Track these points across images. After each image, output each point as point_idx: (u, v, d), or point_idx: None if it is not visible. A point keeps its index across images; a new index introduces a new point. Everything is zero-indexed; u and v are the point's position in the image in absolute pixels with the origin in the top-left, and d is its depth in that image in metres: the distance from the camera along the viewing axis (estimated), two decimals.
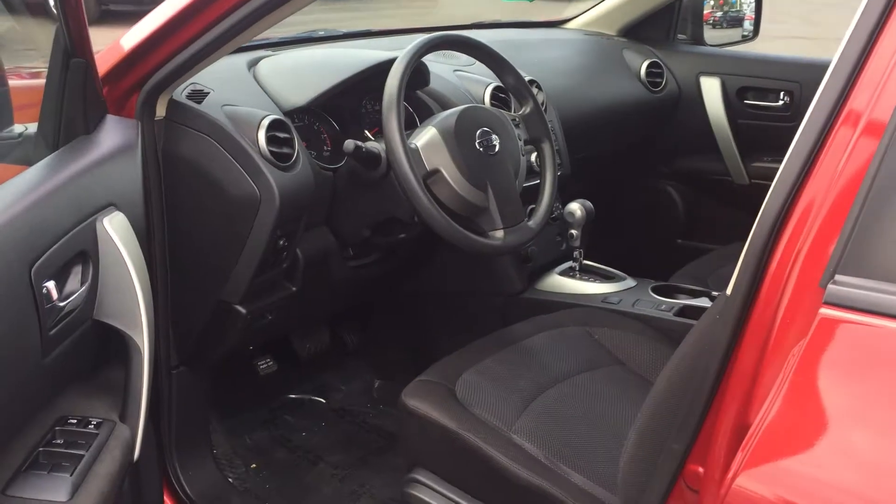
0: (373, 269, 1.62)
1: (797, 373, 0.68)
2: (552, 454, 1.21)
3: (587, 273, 1.74)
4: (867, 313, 0.66)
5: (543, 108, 1.68)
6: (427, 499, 1.28)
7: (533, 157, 1.66)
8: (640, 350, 1.47)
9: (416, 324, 1.86)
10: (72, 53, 1.07)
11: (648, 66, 2.18)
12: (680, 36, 2.33)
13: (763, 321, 0.75)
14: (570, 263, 1.75)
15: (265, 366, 1.76)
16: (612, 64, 2.17)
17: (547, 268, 1.75)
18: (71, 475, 0.89)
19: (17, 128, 1.19)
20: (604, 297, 1.66)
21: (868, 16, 0.72)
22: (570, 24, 2.34)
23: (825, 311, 0.67)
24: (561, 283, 1.73)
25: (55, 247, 0.91)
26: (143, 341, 1.02)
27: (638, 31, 2.27)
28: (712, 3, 2.55)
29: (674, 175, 2.23)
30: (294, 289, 1.47)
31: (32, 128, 1.17)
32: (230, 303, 1.37)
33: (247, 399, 1.82)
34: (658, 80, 2.19)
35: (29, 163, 1.07)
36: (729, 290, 0.77)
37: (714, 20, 2.57)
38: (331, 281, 1.55)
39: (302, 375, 1.90)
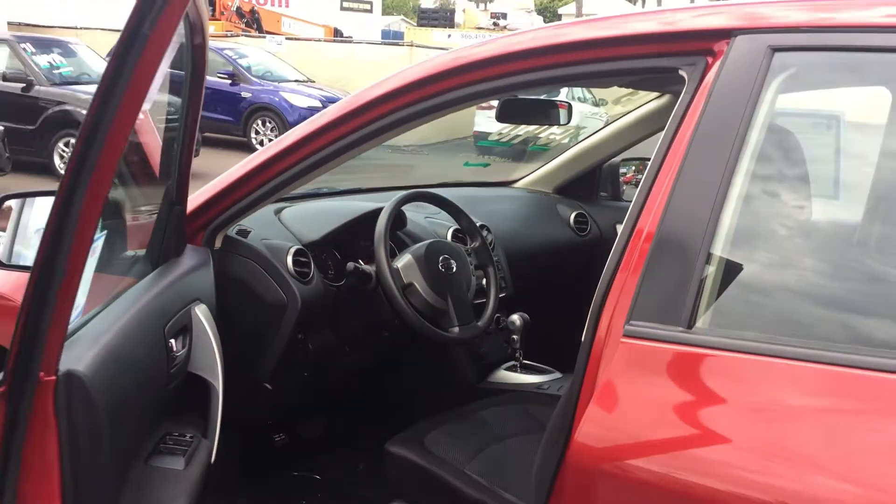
0: (364, 363, 2.15)
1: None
2: (492, 482, 1.71)
3: (526, 369, 2.28)
4: (650, 340, 1.20)
5: (491, 246, 2.28)
6: None
7: (484, 280, 2.24)
8: None
9: (397, 409, 2.37)
10: (175, 202, 1.65)
11: (576, 216, 2.80)
12: (602, 193, 2.97)
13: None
14: (512, 362, 2.29)
15: (279, 439, 2.24)
16: (547, 214, 2.78)
17: (495, 366, 2.29)
18: (183, 456, 1.39)
19: (129, 252, 1.74)
20: (538, 386, 2.20)
21: None
22: (516, 185, 2.98)
23: (625, 341, 1.21)
24: (506, 376, 2.27)
25: (172, 320, 1.45)
26: (219, 386, 1.54)
27: (568, 190, 2.90)
28: (634, 168, 3.22)
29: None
30: (305, 374, 2.00)
31: (139, 252, 1.72)
32: (261, 380, 1.88)
33: (260, 468, 2.28)
34: (583, 227, 2.80)
35: (137, 276, 1.61)
36: None
37: (636, 181, 3.23)
38: (332, 370, 2.08)
39: (301, 452, 2.36)
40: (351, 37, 22.28)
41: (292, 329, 1.85)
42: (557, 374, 2.25)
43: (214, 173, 1.88)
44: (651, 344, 1.19)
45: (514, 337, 2.25)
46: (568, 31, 1.47)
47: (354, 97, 1.62)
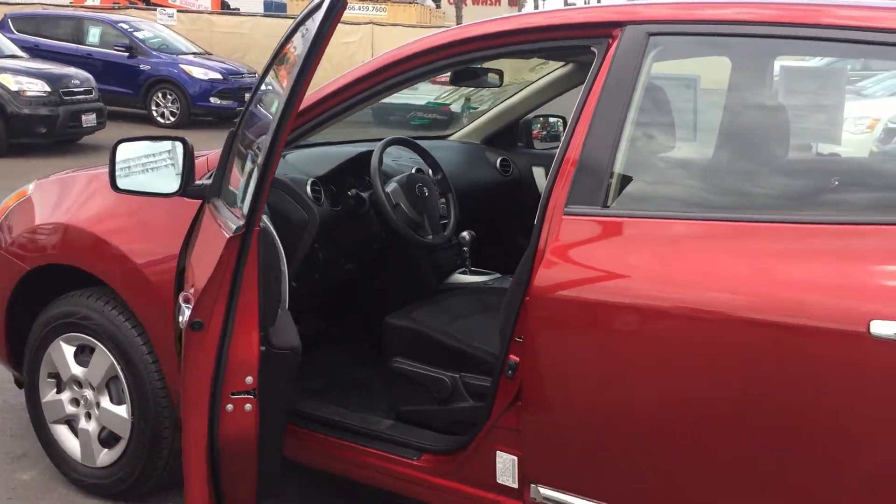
0: (355, 270, 2.83)
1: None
2: (466, 337, 2.43)
3: (473, 273, 3.02)
4: (581, 216, 1.94)
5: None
6: (407, 368, 2.46)
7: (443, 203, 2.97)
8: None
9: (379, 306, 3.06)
10: None
11: (501, 161, 3.54)
12: (519, 144, 3.72)
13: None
14: (463, 268, 3.03)
15: None
16: (478, 160, 3.52)
17: (450, 272, 3.03)
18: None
19: None
20: (484, 283, 2.94)
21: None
22: (451, 138, 3.71)
23: (565, 218, 1.94)
24: (459, 278, 3.01)
25: None
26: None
27: (493, 141, 3.64)
28: (538, 125, 3.98)
29: (519, 224, 3.56)
30: (316, 276, 2.66)
31: None
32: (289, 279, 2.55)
33: None
34: (507, 169, 3.55)
35: None
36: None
37: (541, 136, 4.00)
38: (333, 275, 2.75)
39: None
40: (238, 9, 22.29)
41: (312, 239, 2.50)
42: (497, 275, 3.00)
43: None
44: (582, 218, 1.94)
45: (465, 249, 2.99)
46: (519, 20, 2.20)
47: (391, 54, 2.28)
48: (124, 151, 2.31)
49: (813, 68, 3.02)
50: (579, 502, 1.95)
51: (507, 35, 2.20)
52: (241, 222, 1.77)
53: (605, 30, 2.05)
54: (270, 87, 2.17)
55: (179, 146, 2.23)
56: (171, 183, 2.27)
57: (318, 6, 1.72)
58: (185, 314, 1.82)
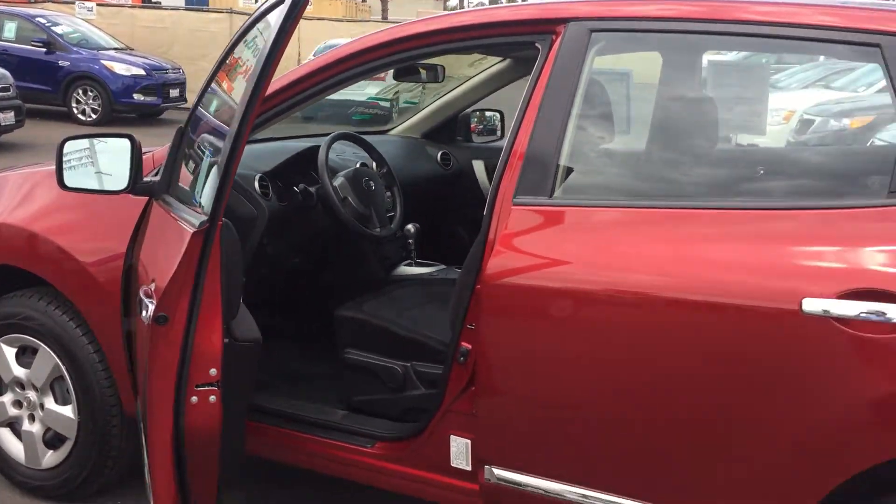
0: (303, 264, 2.86)
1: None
2: (417, 326, 2.49)
3: (419, 264, 3.08)
4: (529, 206, 2.01)
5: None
6: (359, 359, 2.50)
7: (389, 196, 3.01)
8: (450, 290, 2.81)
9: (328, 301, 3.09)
10: None
11: (441, 155, 3.60)
12: (458, 138, 3.79)
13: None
14: (409, 260, 3.08)
15: None
16: (419, 154, 3.58)
17: (397, 264, 3.08)
18: None
19: None
20: (429, 274, 3.00)
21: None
22: (391, 133, 3.75)
23: (514, 208, 2.02)
24: (405, 270, 3.06)
25: None
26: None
27: (433, 135, 3.70)
28: (476, 120, 4.06)
29: (460, 216, 3.64)
30: (263, 271, 2.68)
31: None
32: None
33: None
34: (448, 162, 3.61)
35: None
36: None
37: (479, 131, 4.07)
38: (280, 270, 2.77)
39: None
40: (160, 2, 21.80)
41: (260, 234, 2.52)
42: (442, 266, 3.07)
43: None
44: (529, 208, 2.01)
45: (410, 241, 3.04)
46: (464, 17, 2.26)
47: (336, 52, 2.31)
48: (70, 149, 2.29)
49: (738, 63, 3.17)
50: (531, 480, 2.03)
51: (456, 31, 2.26)
52: (204, 217, 1.80)
53: (548, 26, 2.13)
54: (220, 86, 2.19)
55: (127, 143, 2.22)
56: (118, 180, 2.26)
57: (280, 1, 1.75)
58: (149, 308, 1.84)
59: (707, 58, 2.71)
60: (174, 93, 13.26)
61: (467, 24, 2.25)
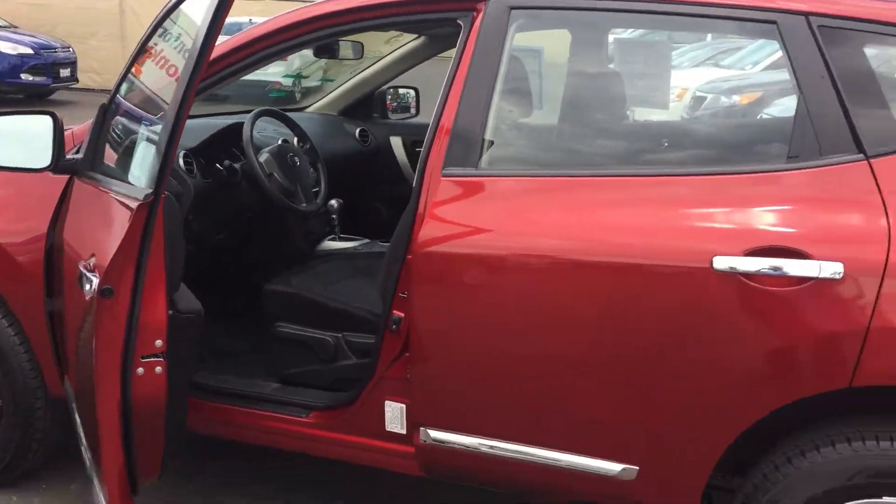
0: (228, 241, 2.87)
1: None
2: (347, 298, 2.55)
3: (343, 239, 3.13)
4: (457, 176, 2.10)
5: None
6: (290, 332, 2.55)
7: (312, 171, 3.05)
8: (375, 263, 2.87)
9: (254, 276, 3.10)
10: None
11: (360, 132, 3.65)
12: (375, 114, 3.84)
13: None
14: (333, 236, 3.13)
15: None
16: (337, 130, 3.61)
17: (321, 239, 3.12)
18: None
19: None
20: (354, 248, 3.06)
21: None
22: (308, 110, 3.77)
23: (443, 179, 2.10)
24: (329, 245, 3.11)
25: None
26: None
27: (350, 112, 3.75)
28: (390, 97, 4.11)
29: (380, 192, 3.71)
30: (189, 248, 2.68)
31: None
32: None
33: None
34: (366, 139, 3.66)
35: None
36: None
37: (393, 108, 4.13)
38: (205, 246, 2.78)
39: None
40: None
41: (186, 210, 2.53)
42: (366, 240, 3.13)
43: None
44: (457, 179, 2.10)
45: (334, 217, 3.09)
46: None
47: (255, 29, 2.33)
48: None
49: (643, 41, 3.33)
50: (464, 439, 2.14)
51: (377, 8, 2.31)
52: (148, 190, 1.81)
53: (469, 3, 2.20)
54: (149, 60, 2.19)
55: (49, 120, 2.19)
56: (40, 158, 2.23)
57: None
58: (93, 283, 1.84)
59: (613, 35, 2.86)
60: (65, 73, 12.72)
61: (388, 1, 2.31)
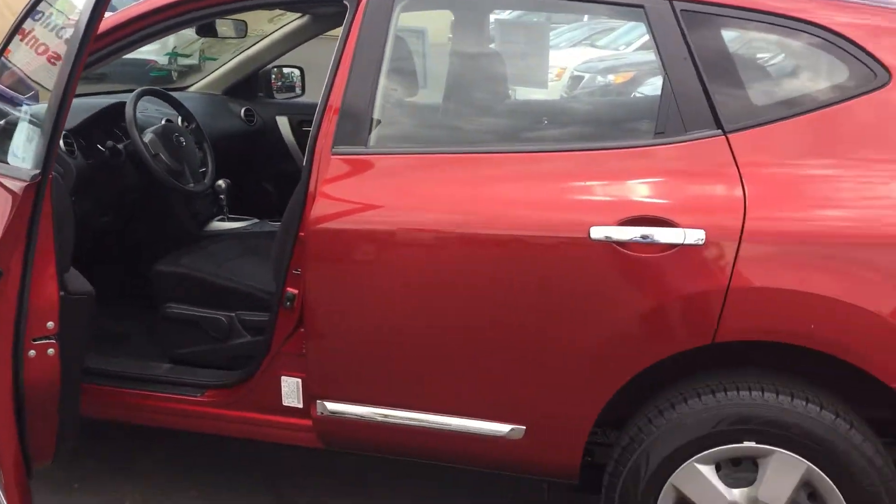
0: (113, 223, 2.82)
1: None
2: (238, 277, 2.57)
3: (232, 219, 3.13)
4: (347, 154, 2.15)
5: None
6: (181, 312, 2.54)
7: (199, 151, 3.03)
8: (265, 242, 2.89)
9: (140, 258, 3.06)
10: None
11: (245, 111, 3.63)
12: (260, 94, 3.82)
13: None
14: (222, 216, 3.12)
15: None
16: (222, 110, 3.58)
17: (209, 219, 3.11)
18: None
19: None
20: (243, 228, 3.07)
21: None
22: (190, 90, 3.71)
23: (333, 158, 2.15)
24: (218, 225, 3.10)
25: None
26: None
27: (235, 92, 3.71)
28: (274, 77, 4.09)
29: (268, 171, 3.70)
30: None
31: None
32: None
33: None
34: (252, 119, 3.65)
35: None
36: None
37: (278, 87, 4.11)
38: (89, 228, 2.72)
39: None
40: None
41: (69, 190, 2.47)
42: (255, 220, 3.14)
43: None
44: (347, 157, 2.15)
45: (222, 197, 3.08)
46: None
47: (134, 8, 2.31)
48: None
49: (521, 22, 3.46)
50: (360, 409, 2.21)
51: None
52: (37, 171, 1.78)
53: None
54: (24, 41, 2.13)
55: None
56: None
57: None
58: None
59: (493, 16, 2.96)
60: None
61: None
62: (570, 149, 2.12)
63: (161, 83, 4.23)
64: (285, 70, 4.00)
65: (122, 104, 2.75)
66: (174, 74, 7.45)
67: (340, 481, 2.75)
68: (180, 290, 2.57)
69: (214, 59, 4.13)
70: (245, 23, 3.04)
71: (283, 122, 3.69)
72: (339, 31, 2.26)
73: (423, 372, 2.15)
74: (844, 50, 1.93)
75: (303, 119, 3.67)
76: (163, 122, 2.97)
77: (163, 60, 7.72)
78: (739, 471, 2.01)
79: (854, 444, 1.90)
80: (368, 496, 2.69)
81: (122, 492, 2.62)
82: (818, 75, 2.02)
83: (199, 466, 2.80)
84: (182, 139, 2.81)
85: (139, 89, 2.81)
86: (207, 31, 2.97)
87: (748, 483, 1.99)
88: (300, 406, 2.29)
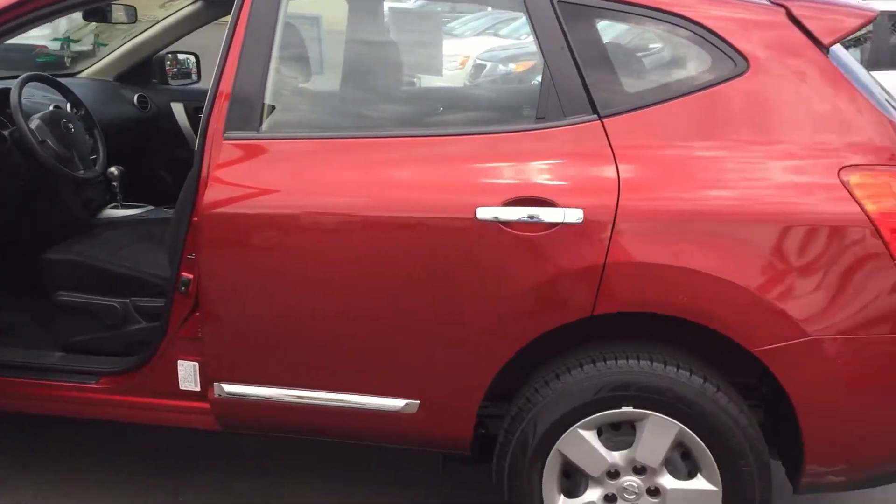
0: (3, 209, 2.76)
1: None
2: (132, 264, 2.56)
3: (126, 207, 3.10)
4: (239, 139, 2.18)
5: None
6: (74, 300, 2.52)
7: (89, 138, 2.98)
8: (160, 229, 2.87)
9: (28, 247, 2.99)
10: None
11: (138, 98, 3.58)
12: (154, 80, 3.77)
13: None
14: (115, 203, 3.09)
15: None
16: (114, 97, 3.52)
17: (102, 206, 3.06)
18: None
19: None
20: (138, 215, 3.04)
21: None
22: (80, 76, 3.64)
23: (224, 143, 2.18)
24: (111, 213, 3.06)
25: None
26: None
27: (127, 78, 3.66)
28: (169, 63, 4.04)
29: (163, 158, 3.66)
30: None
31: None
32: None
33: None
34: (145, 105, 3.60)
35: None
36: None
37: (173, 74, 4.06)
38: None
39: None
40: None
41: None
42: (150, 207, 3.11)
43: None
44: (239, 142, 2.18)
45: (115, 184, 3.04)
46: None
47: None
48: None
49: (415, 10, 3.53)
50: (257, 390, 2.25)
51: None
52: None
53: None
54: None
55: None
56: None
57: None
58: None
59: (388, 4, 3.02)
60: None
61: None
62: (457, 133, 2.21)
63: (51, 69, 4.11)
64: (181, 56, 3.96)
65: (7, 90, 2.69)
66: (67, 60, 7.22)
67: (244, 466, 2.78)
68: (73, 277, 2.54)
69: (106, 45, 4.04)
70: (134, 8, 3.01)
71: (178, 109, 3.66)
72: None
73: (319, 352, 2.21)
74: (707, 41, 2.07)
75: (198, 105, 3.63)
76: (50, 108, 2.92)
77: (54, 46, 7.48)
78: (619, 434, 2.15)
79: (720, 405, 2.05)
80: (271, 481, 2.73)
81: (18, 488, 2.59)
82: (684, 64, 2.16)
83: (97, 455, 2.78)
84: (71, 125, 2.77)
85: (24, 75, 2.74)
86: (94, 15, 2.93)
87: (627, 445, 2.13)
88: (197, 389, 2.31)
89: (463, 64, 9.18)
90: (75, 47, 7.09)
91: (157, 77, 3.74)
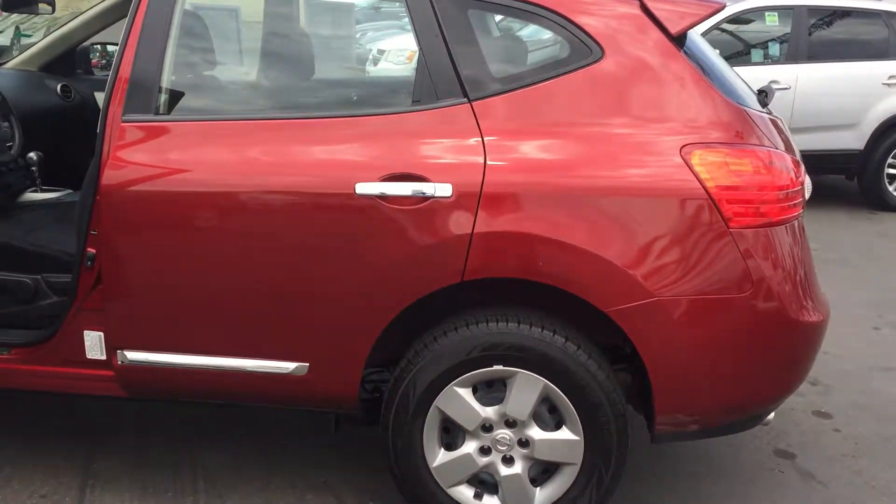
0: None
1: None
2: (45, 243, 2.69)
3: (46, 191, 3.23)
4: (138, 122, 2.34)
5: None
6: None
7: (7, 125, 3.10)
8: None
9: None
10: None
11: (62, 87, 3.69)
12: (78, 70, 3.88)
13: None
14: (34, 188, 3.22)
15: None
16: (37, 86, 3.63)
17: (22, 191, 3.19)
18: None
19: None
20: (57, 199, 3.17)
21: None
22: (5, 67, 3.74)
23: (123, 125, 2.33)
24: (32, 197, 3.19)
25: None
26: None
27: (51, 68, 3.76)
28: (97, 54, 4.16)
29: (85, 145, 3.76)
30: None
31: None
32: None
33: None
34: (69, 95, 3.72)
35: None
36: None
37: (101, 65, 4.18)
38: None
39: None
40: None
41: None
42: (69, 191, 3.24)
43: None
44: (137, 125, 2.34)
45: (34, 169, 3.17)
46: None
47: None
48: None
49: (330, 3, 3.69)
50: (157, 357, 2.41)
51: None
52: None
53: None
54: None
55: None
56: None
57: None
58: None
59: None
60: None
61: None
62: (341, 115, 2.38)
63: None
64: (109, 48, 4.07)
65: None
66: (16, 48, 7.27)
67: (157, 430, 2.93)
68: None
69: (30, 36, 4.15)
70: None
71: (101, 98, 3.76)
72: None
73: (213, 319, 2.37)
74: (568, 30, 2.26)
75: None
76: None
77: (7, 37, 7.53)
78: (492, 391, 2.34)
79: (580, 362, 2.25)
80: (183, 444, 2.88)
81: None
82: (547, 52, 2.36)
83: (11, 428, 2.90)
84: None
85: None
86: (13, 6, 3.05)
87: (499, 401, 2.33)
88: (103, 358, 2.46)
89: (410, 58, 9.34)
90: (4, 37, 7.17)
91: (81, 67, 3.85)
